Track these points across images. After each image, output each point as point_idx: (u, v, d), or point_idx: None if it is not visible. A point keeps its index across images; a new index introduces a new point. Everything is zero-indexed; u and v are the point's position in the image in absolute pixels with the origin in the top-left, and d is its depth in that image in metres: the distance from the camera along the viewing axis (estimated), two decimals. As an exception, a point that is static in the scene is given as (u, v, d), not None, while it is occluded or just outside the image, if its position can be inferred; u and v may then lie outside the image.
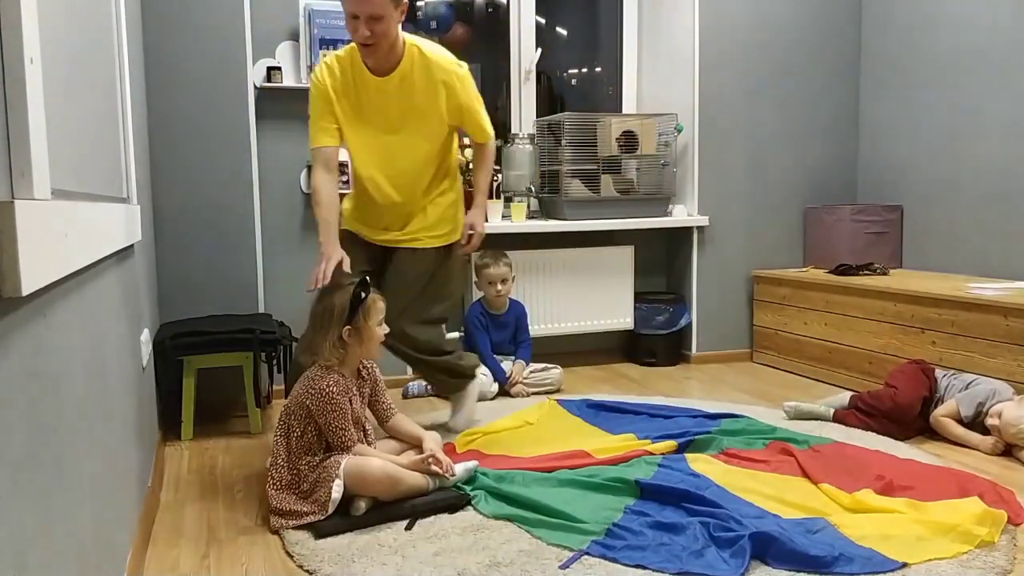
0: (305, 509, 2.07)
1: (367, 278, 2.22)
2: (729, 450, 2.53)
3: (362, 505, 2.07)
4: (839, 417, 2.86)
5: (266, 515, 2.12)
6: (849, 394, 2.96)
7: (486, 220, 2.80)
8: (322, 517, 2.04)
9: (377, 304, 2.24)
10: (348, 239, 2.56)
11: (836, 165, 4.18)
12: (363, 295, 2.18)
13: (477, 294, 3.49)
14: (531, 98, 4.08)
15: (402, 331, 2.53)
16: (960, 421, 2.69)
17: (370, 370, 2.33)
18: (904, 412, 2.74)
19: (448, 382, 2.84)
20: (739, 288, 4.07)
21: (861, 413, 2.81)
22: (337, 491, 2.04)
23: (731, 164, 4.00)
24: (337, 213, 2.50)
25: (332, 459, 2.10)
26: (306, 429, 2.15)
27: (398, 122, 2.49)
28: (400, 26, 2.39)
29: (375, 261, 2.64)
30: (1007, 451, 2.56)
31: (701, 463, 2.40)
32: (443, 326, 2.79)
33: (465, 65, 2.52)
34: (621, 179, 3.94)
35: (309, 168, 3.35)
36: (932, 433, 2.76)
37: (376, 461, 2.10)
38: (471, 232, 2.70)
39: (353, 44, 2.42)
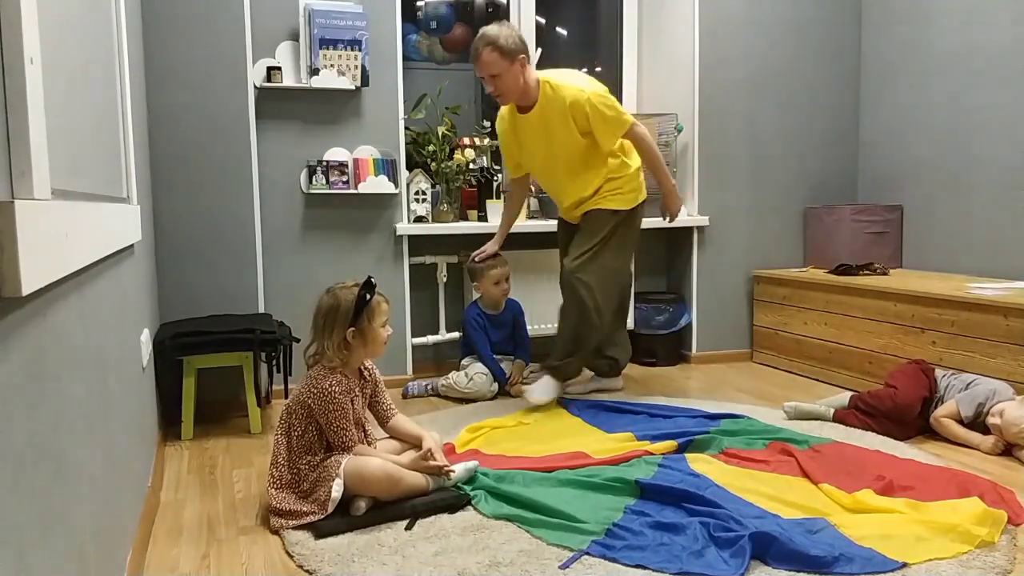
0: (305, 509, 2.07)
1: (371, 279, 2.22)
2: (729, 450, 2.53)
3: (362, 505, 2.07)
4: (839, 417, 2.86)
5: (266, 515, 2.12)
6: (849, 394, 2.96)
7: (677, 202, 3.23)
8: (322, 516, 2.04)
9: (381, 306, 2.24)
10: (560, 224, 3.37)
11: (836, 165, 4.19)
12: (367, 297, 2.18)
13: (474, 295, 3.49)
14: (531, 98, 4.08)
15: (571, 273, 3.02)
16: (960, 421, 2.68)
17: (371, 370, 2.33)
18: (904, 412, 2.74)
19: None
20: (739, 288, 4.07)
21: (861, 413, 2.81)
22: (337, 490, 2.04)
23: (731, 164, 4.00)
24: (508, 220, 3.39)
25: (332, 459, 2.10)
26: (307, 428, 2.15)
27: (545, 146, 3.05)
28: (528, 70, 2.92)
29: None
30: (1007, 451, 2.56)
31: (701, 463, 2.40)
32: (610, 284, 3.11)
33: (589, 87, 2.94)
34: (621, 179, 3.93)
35: (309, 168, 3.36)
36: (932, 433, 2.76)
37: (376, 461, 2.10)
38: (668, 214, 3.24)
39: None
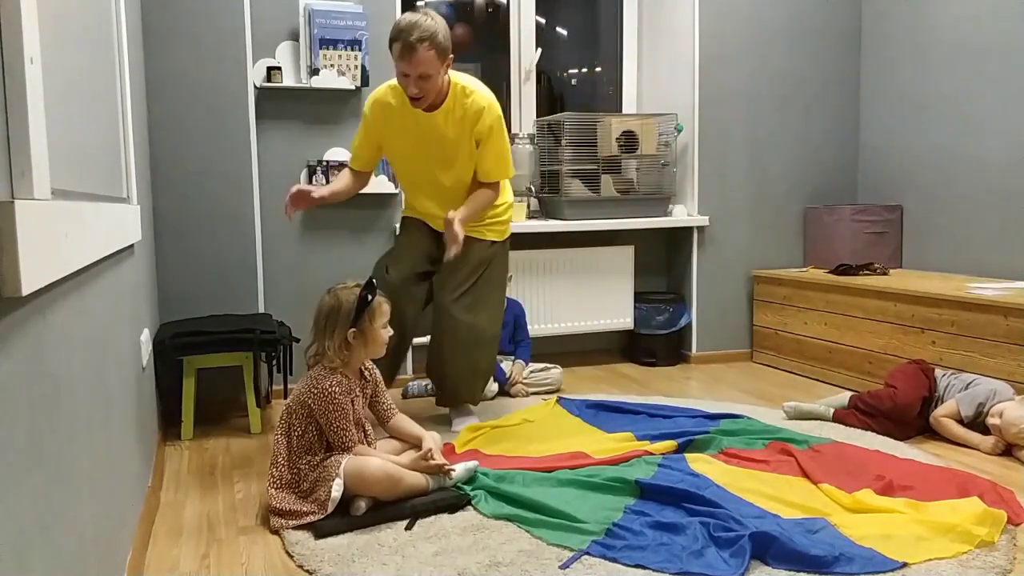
0: (305, 508, 2.07)
1: (372, 280, 2.23)
2: (729, 450, 2.53)
3: (362, 505, 2.07)
4: (839, 417, 2.86)
5: (266, 515, 2.12)
6: (849, 394, 2.96)
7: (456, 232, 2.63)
8: (322, 516, 2.04)
9: (382, 306, 2.24)
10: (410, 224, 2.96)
11: (836, 165, 4.18)
12: (368, 297, 2.19)
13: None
14: (531, 98, 4.09)
15: (444, 309, 2.78)
16: (960, 421, 2.69)
17: (371, 370, 2.33)
18: (904, 412, 2.74)
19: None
20: (739, 288, 4.07)
21: (861, 413, 2.81)
22: (337, 490, 2.04)
23: (731, 164, 4.00)
24: (340, 188, 2.80)
25: (332, 459, 2.10)
26: (307, 428, 2.16)
27: (438, 150, 2.70)
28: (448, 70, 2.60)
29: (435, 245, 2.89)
30: (1007, 451, 2.56)
31: (701, 463, 2.40)
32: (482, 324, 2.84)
33: (497, 109, 2.69)
34: (621, 179, 3.94)
35: (309, 168, 3.36)
36: (932, 433, 2.76)
37: (376, 461, 2.10)
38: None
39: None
